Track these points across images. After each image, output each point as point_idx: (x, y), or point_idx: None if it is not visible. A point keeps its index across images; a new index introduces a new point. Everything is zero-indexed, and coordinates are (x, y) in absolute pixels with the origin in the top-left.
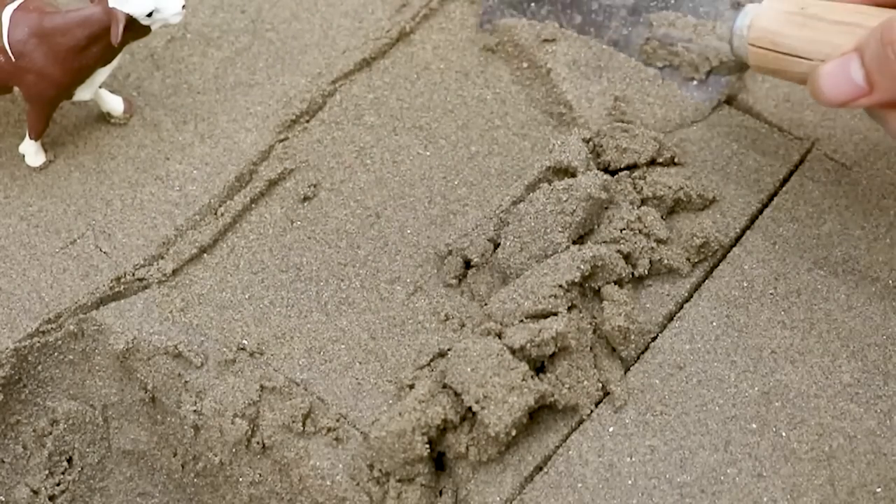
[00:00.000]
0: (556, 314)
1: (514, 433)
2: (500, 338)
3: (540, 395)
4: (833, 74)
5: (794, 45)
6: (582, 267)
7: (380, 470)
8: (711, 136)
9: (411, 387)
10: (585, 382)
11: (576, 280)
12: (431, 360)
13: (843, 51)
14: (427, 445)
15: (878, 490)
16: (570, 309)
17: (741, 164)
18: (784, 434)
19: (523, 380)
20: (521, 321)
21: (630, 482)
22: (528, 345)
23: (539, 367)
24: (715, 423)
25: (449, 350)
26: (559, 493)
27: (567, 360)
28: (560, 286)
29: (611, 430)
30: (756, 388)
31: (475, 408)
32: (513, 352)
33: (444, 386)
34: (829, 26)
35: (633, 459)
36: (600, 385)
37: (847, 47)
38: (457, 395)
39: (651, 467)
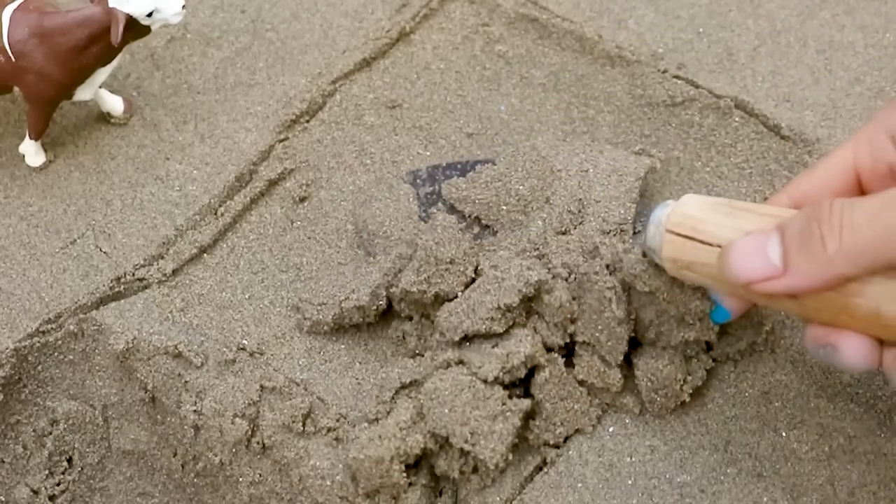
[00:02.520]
0: (499, 335)
1: (510, 457)
2: (463, 365)
3: (523, 413)
4: (747, 250)
5: (717, 232)
6: (524, 290)
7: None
8: (712, 136)
9: (377, 420)
10: (576, 406)
11: (514, 304)
12: (395, 394)
13: None
14: (404, 474)
15: (879, 490)
16: (512, 326)
17: (741, 164)
18: (784, 434)
19: (503, 404)
20: (484, 346)
21: (630, 482)
22: (500, 373)
23: (524, 392)
24: (715, 423)
25: (412, 383)
26: (559, 493)
27: (550, 402)
28: (499, 308)
29: (611, 430)
30: (756, 388)
31: (466, 447)
32: (484, 381)
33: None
34: (757, 217)
35: (633, 459)
36: (597, 402)
37: None
38: (444, 438)
39: (651, 467)
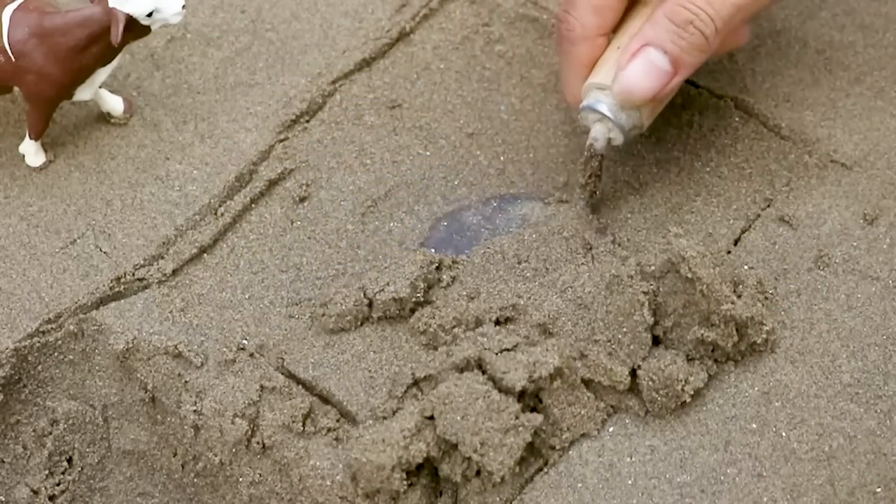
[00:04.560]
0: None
1: (516, 469)
2: (480, 369)
3: (535, 429)
4: (640, 72)
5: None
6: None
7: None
8: (712, 136)
9: (384, 418)
10: (583, 411)
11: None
12: (406, 390)
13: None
14: (405, 482)
15: (878, 490)
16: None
17: (741, 164)
18: (784, 434)
19: (516, 417)
20: (506, 352)
21: (630, 482)
22: (527, 382)
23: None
24: (715, 423)
25: (424, 379)
26: (559, 493)
27: (558, 408)
28: None
29: (611, 430)
30: (756, 388)
31: (475, 457)
32: (506, 391)
33: (430, 417)
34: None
35: (633, 459)
36: (603, 405)
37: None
38: (451, 445)
39: (651, 467)
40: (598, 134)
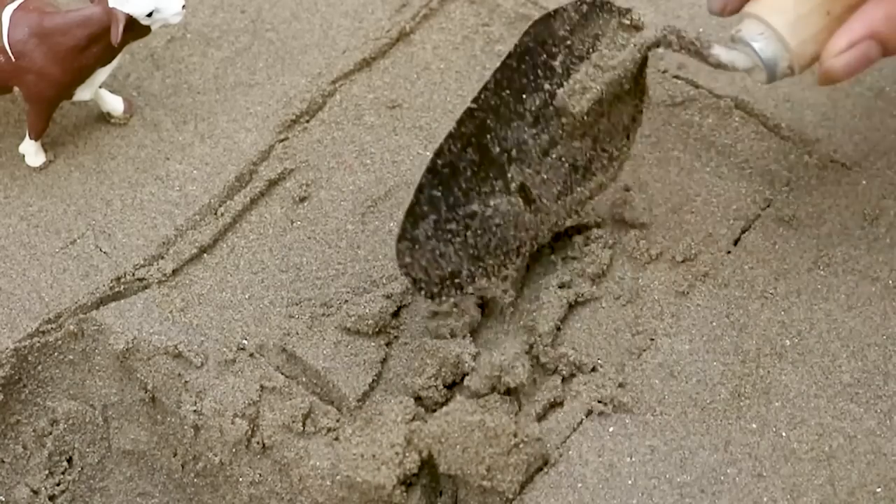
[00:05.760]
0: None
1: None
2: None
3: (536, 440)
4: (853, 62)
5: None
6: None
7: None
8: (712, 136)
9: (370, 420)
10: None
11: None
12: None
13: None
14: (405, 493)
15: (878, 490)
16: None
17: (741, 164)
18: (784, 434)
19: (515, 436)
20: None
21: (630, 482)
22: (494, 396)
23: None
24: (715, 423)
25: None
26: (559, 493)
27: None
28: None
29: (611, 430)
30: (756, 388)
31: (485, 484)
32: (490, 413)
33: (416, 419)
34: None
35: (633, 459)
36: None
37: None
38: (454, 476)
39: (651, 467)
40: (739, 62)
